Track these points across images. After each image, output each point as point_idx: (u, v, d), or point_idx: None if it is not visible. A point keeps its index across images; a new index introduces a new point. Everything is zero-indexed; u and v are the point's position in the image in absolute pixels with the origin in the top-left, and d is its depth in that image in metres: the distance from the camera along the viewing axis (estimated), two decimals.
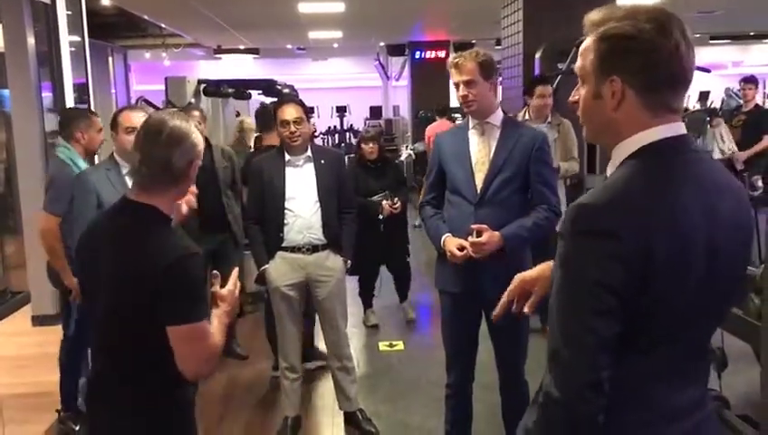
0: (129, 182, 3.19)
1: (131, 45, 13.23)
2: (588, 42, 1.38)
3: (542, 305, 1.54)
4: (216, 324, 1.92)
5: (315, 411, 4.14)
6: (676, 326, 1.34)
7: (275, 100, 4.58)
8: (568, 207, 1.34)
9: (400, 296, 5.90)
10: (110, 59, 12.57)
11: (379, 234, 5.30)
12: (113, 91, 12.80)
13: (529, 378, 3.12)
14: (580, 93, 1.43)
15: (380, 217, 5.30)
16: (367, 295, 5.77)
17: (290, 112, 3.50)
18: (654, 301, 1.28)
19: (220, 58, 17.24)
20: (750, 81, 7.58)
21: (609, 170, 1.41)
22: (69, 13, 4.56)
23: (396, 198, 5.33)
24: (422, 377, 4.55)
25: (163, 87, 9.91)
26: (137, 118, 3.25)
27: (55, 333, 5.32)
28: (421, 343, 5.34)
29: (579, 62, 1.41)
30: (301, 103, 3.57)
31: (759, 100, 14.82)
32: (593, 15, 1.38)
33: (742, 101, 7.87)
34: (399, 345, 5.24)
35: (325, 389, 4.25)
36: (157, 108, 6.63)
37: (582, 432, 1.31)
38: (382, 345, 5.23)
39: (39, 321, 5.61)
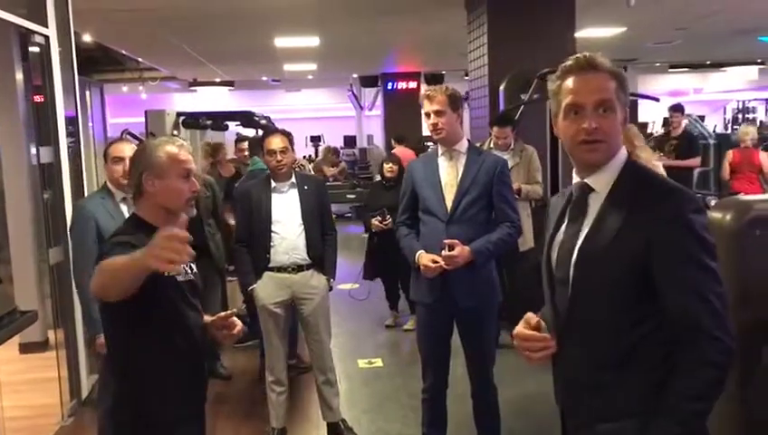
0: (124, 208, 3.46)
1: (109, 79, 13.47)
2: (604, 75, 1.70)
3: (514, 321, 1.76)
4: (124, 257, 1.84)
5: (300, 422, 4.36)
6: None
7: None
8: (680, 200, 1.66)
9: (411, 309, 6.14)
10: (87, 93, 12.78)
11: (375, 246, 5.94)
12: (90, 124, 12.99)
13: (498, 386, 3.45)
14: (600, 122, 1.68)
15: (372, 230, 5.86)
16: (390, 299, 6.45)
17: (276, 143, 3.80)
18: None
19: (195, 90, 17.54)
20: (677, 109, 8.08)
21: (600, 185, 1.72)
22: (60, 49, 4.81)
23: (388, 216, 5.61)
24: (399, 390, 4.82)
25: (138, 119, 10.15)
26: (123, 149, 3.51)
27: (42, 359, 5.51)
28: (398, 361, 5.61)
29: (602, 95, 1.68)
30: (286, 134, 3.88)
31: (711, 126, 15.33)
32: (597, 56, 1.72)
33: (671, 128, 8.23)
34: (378, 362, 5.50)
35: (309, 401, 4.49)
36: (141, 140, 6.91)
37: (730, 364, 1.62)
38: (361, 363, 5.48)
39: (25, 348, 5.77)
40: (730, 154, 7.71)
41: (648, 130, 16.00)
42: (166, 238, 1.71)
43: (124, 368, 2.14)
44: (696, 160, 7.99)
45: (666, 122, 16.64)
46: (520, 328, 1.81)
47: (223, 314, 2.31)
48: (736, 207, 2.16)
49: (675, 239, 1.61)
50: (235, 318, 2.29)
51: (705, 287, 1.60)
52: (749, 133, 7.67)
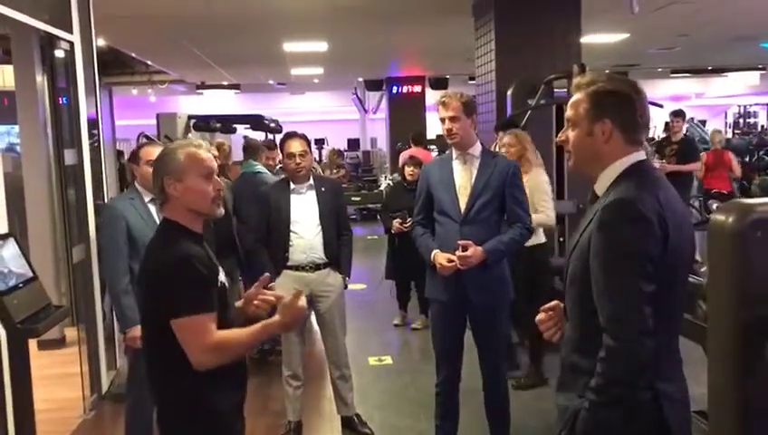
0: (152, 209, 3.60)
1: (118, 82, 13.62)
2: (579, 96, 1.90)
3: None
4: (253, 328, 2.18)
5: (315, 416, 4.51)
6: (681, 295, 1.88)
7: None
8: (607, 203, 1.79)
9: (420, 308, 6.34)
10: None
11: (396, 248, 6.10)
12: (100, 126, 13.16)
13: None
14: (568, 134, 1.94)
15: (393, 232, 6.02)
16: (400, 299, 6.58)
17: (295, 146, 3.96)
18: (672, 269, 1.80)
19: (202, 93, 17.69)
20: (678, 114, 8.31)
21: (599, 189, 1.91)
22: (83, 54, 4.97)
23: (409, 219, 5.54)
24: (409, 386, 4.97)
25: (145, 121, 10.25)
26: (154, 153, 3.65)
27: (60, 356, 5.66)
28: (407, 358, 5.77)
29: (569, 112, 1.94)
30: (305, 138, 4.04)
31: (723, 130, 15.55)
32: (583, 79, 1.94)
33: (670, 133, 8.50)
34: (388, 360, 5.64)
35: (324, 395, 4.64)
36: (154, 142, 7.07)
37: (640, 372, 1.74)
38: (372, 360, 5.63)
39: (43, 345, 5.92)
40: (704, 156, 8.46)
41: (650, 135, 16.16)
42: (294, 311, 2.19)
43: (179, 372, 2.14)
44: (696, 165, 8.19)
45: (667, 127, 16.85)
46: (540, 313, 2.09)
47: (258, 282, 2.39)
48: (739, 210, 2.24)
49: (598, 242, 1.78)
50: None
51: (609, 290, 1.75)
52: (718, 136, 8.92)
